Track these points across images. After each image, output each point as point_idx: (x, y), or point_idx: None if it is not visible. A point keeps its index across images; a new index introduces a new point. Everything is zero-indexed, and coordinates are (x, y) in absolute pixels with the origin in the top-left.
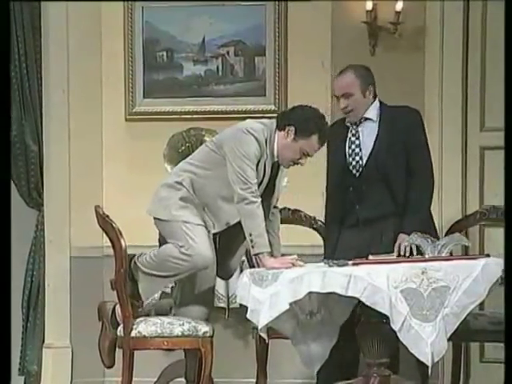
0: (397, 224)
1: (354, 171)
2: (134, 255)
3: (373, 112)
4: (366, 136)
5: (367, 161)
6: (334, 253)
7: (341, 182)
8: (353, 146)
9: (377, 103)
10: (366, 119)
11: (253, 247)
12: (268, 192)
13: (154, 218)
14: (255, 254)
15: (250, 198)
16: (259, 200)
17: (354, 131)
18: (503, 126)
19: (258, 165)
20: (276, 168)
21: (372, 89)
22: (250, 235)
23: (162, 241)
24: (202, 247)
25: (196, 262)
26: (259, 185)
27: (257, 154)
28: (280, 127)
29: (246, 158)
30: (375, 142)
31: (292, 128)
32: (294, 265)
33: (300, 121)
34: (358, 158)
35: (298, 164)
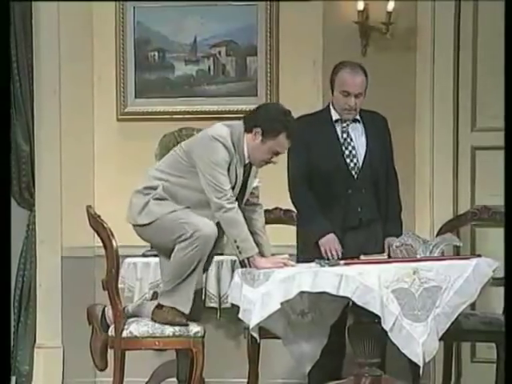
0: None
1: (353, 172)
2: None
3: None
4: (358, 138)
5: (363, 163)
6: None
7: (340, 182)
8: (349, 147)
9: None
10: (354, 120)
11: (240, 253)
12: (240, 193)
13: (135, 226)
14: (244, 259)
15: (226, 205)
16: (236, 205)
17: (345, 131)
18: (494, 126)
19: (228, 169)
20: (248, 169)
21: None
22: (235, 241)
23: (155, 246)
24: (199, 221)
25: (205, 236)
26: (233, 188)
27: (226, 160)
28: (247, 129)
29: (216, 165)
30: (367, 144)
31: (259, 129)
32: (285, 264)
33: (265, 121)
34: (355, 160)
35: (270, 163)
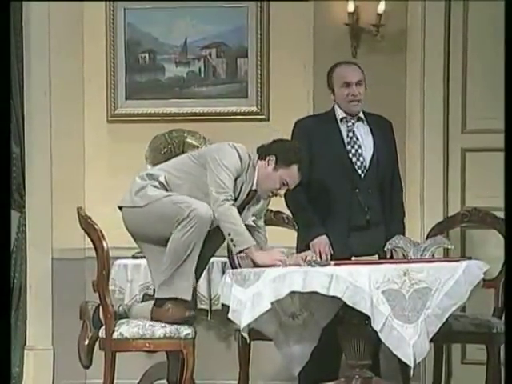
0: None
1: (360, 172)
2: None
3: (361, 114)
4: (364, 137)
5: (370, 163)
6: (344, 252)
7: (347, 181)
8: (355, 146)
9: None
10: (359, 119)
11: (235, 246)
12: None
13: (129, 209)
14: (239, 252)
15: (222, 198)
16: (232, 202)
17: (350, 130)
18: (484, 128)
19: (236, 181)
20: (250, 197)
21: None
22: (229, 235)
23: (145, 235)
24: (195, 202)
25: (201, 215)
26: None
27: (237, 168)
28: (260, 157)
29: (227, 168)
30: (374, 144)
31: (273, 157)
32: (283, 263)
33: (280, 150)
34: (361, 159)
35: (276, 195)
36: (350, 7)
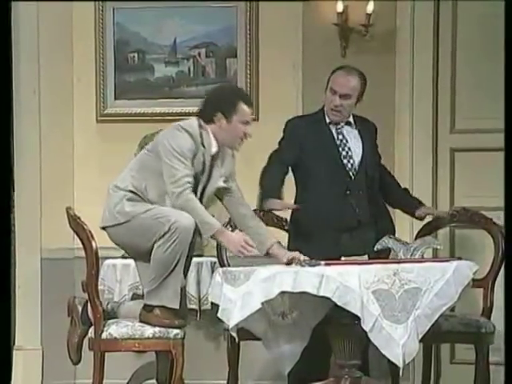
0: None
1: (350, 173)
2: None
3: (350, 117)
4: (353, 140)
5: (359, 165)
6: (335, 253)
7: (339, 183)
8: (346, 148)
9: None
10: (348, 123)
11: (200, 234)
12: (205, 180)
13: (110, 227)
14: (211, 237)
15: (178, 192)
16: (189, 189)
17: (339, 132)
18: (473, 128)
19: (194, 158)
20: (213, 160)
21: (361, 98)
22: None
23: (130, 248)
24: (175, 214)
25: (183, 227)
26: (201, 174)
27: (190, 148)
28: (208, 121)
29: (180, 154)
30: (363, 148)
31: (218, 114)
32: (246, 249)
33: (220, 103)
34: (352, 161)
35: (246, 137)
36: (339, 7)
